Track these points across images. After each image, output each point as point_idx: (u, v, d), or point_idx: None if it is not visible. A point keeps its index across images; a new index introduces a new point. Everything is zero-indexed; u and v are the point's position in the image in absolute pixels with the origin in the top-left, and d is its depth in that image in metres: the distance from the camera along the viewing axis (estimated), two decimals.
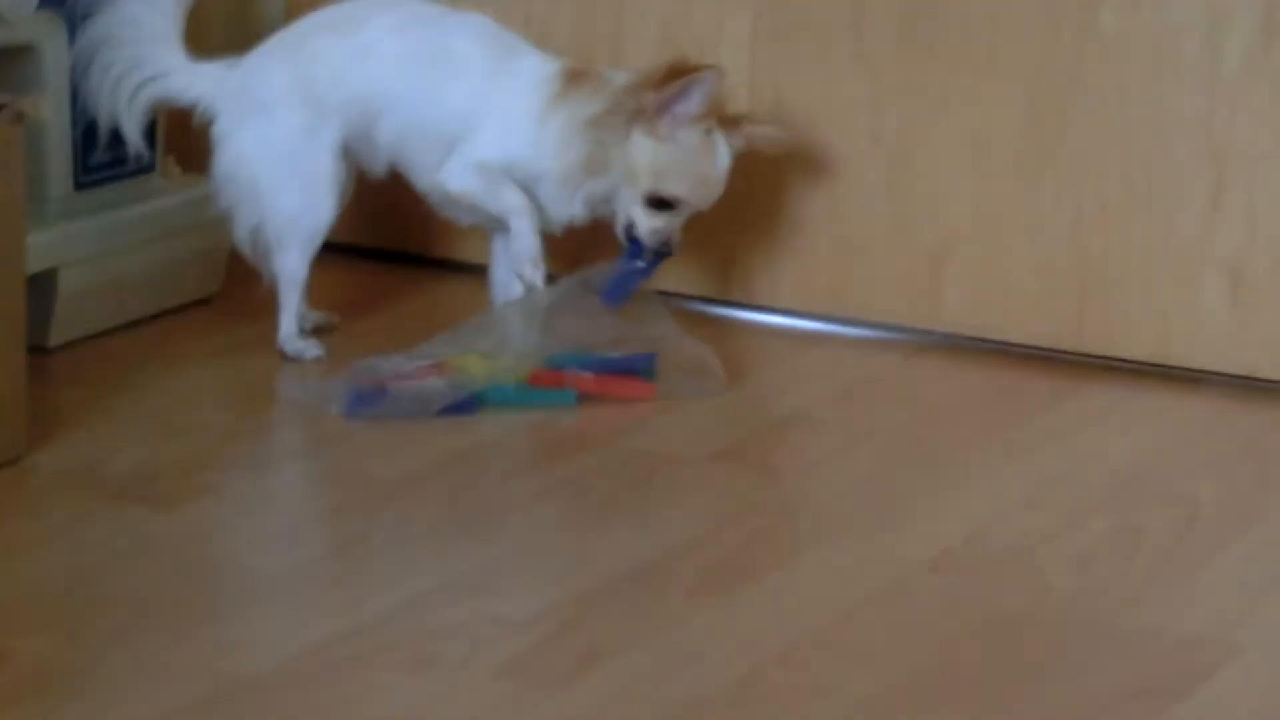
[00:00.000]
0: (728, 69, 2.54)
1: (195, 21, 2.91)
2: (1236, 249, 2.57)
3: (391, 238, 2.95)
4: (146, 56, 2.63)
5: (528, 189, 2.58)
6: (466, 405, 2.45)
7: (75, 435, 2.37)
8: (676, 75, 2.49)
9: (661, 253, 2.56)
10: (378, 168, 2.67)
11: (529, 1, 2.82)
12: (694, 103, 2.49)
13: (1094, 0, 2.58)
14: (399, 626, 1.97)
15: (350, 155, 2.64)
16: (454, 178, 2.59)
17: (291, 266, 2.62)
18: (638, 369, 2.55)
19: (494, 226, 2.64)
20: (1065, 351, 2.67)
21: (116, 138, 2.66)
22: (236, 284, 2.82)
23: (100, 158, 2.67)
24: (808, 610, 2.05)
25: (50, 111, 2.53)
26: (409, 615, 2.00)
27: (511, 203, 2.58)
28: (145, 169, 2.72)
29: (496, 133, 2.57)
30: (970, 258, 2.71)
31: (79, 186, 2.65)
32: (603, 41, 2.76)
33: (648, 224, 2.53)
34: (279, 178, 2.61)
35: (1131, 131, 2.60)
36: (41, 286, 2.52)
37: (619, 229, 2.57)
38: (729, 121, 2.56)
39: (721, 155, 2.53)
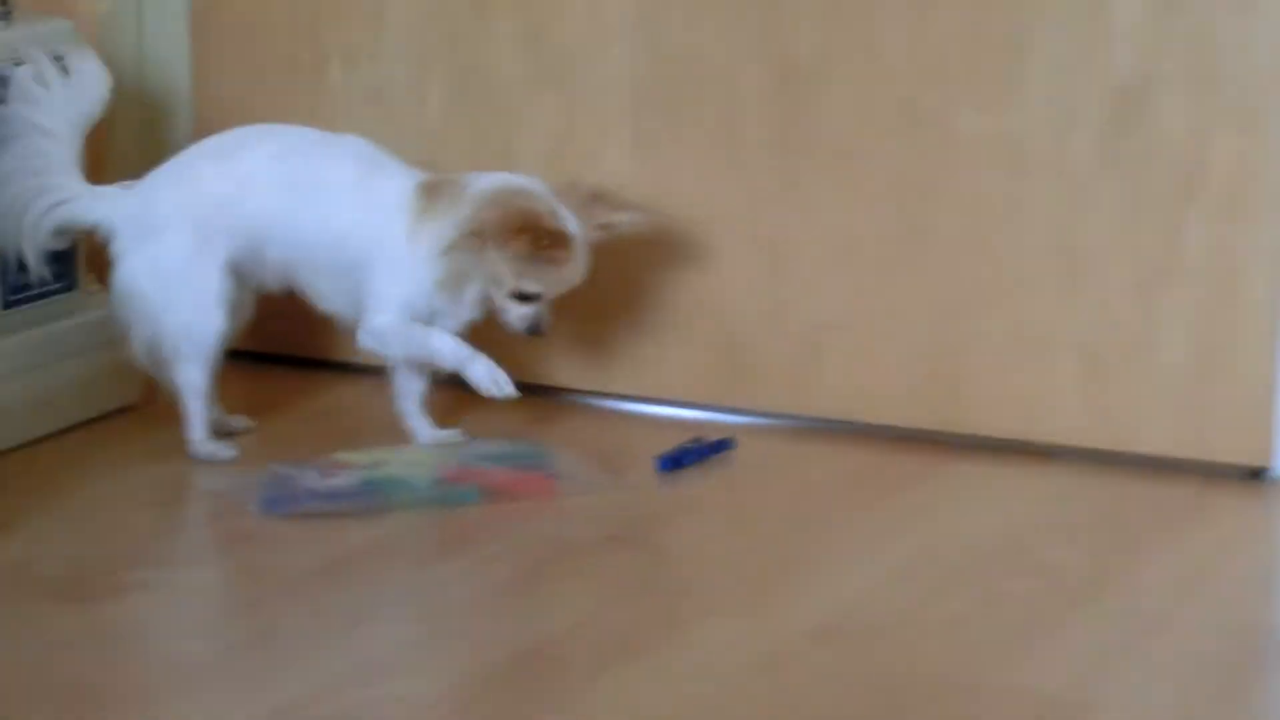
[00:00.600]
0: (565, 227, 2.53)
1: (109, 143, 2.98)
2: (1087, 332, 2.59)
3: (295, 343, 2.94)
4: (49, 185, 2.62)
5: (430, 311, 2.60)
6: (376, 501, 2.46)
7: (6, 538, 2.36)
8: (523, 234, 2.50)
9: (696, 450, 2.62)
10: (271, 285, 2.67)
11: (424, 119, 2.85)
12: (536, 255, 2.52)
13: (951, 104, 2.61)
14: (313, 709, 1.97)
15: (243, 272, 2.64)
16: (379, 343, 2.62)
17: (191, 378, 2.62)
18: (539, 461, 2.57)
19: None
20: (932, 431, 2.69)
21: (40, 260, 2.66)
22: (156, 392, 2.79)
23: (24, 279, 2.66)
24: (697, 682, 2.06)
25: None
26: (323, 698, 2.00)
27: (437, 346, 2.60)
28: (67, 288, 2.72)
29: (387, 277, 2.58)
30: (843, 347, 2.71)
31: (7, 305, 2.65)
32: (496, 156, 2.75)
33: (517, 313, 2.55)
34: (170, 296, 2.60)
35: (989, 226, 2.62)
36: None
37: (500, 318, 2.58)
38: (587, 210, 2.58)
39: (576, 261, 2.55)
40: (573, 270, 2.56)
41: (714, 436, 2.68)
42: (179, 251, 2.61)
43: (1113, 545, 2.41)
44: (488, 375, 2.58)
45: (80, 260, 2.76)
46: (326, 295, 2.66)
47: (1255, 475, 2.57)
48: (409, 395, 2.70)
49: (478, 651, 2.15)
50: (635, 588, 2.33)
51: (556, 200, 2.56)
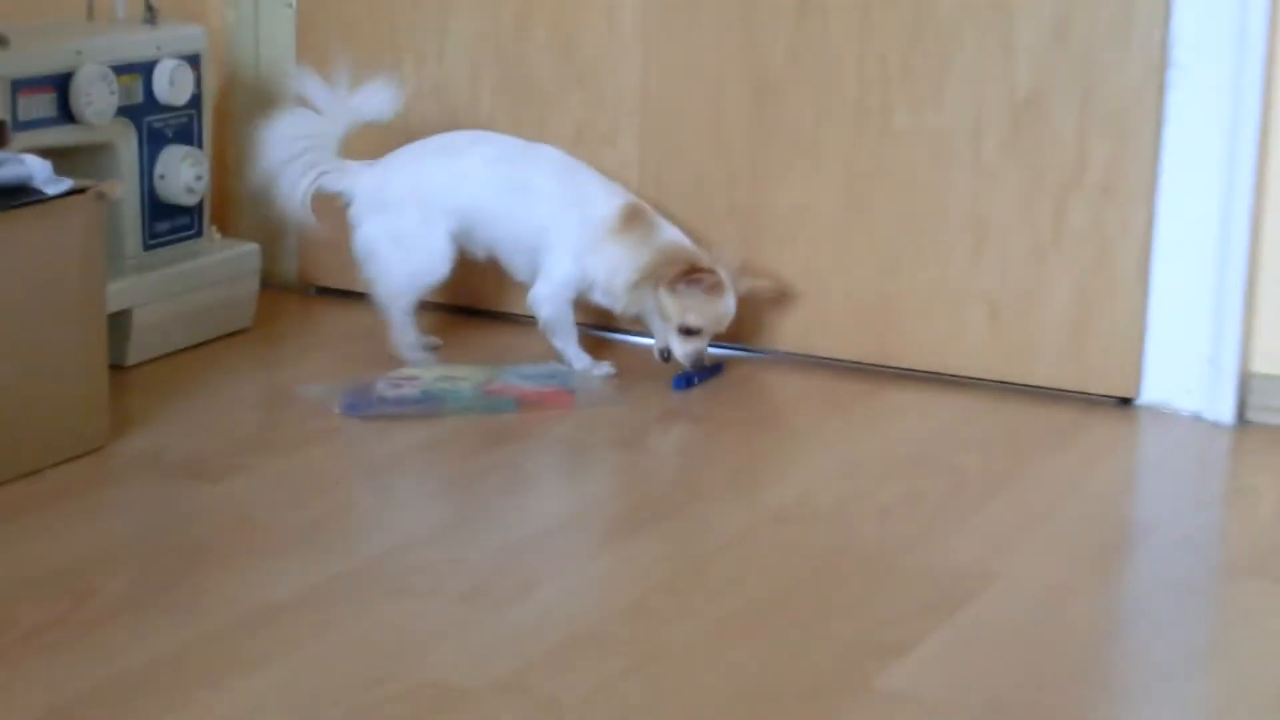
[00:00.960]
0: (720, 271, 2.54)
1: (230, 121, 2.96)
2: (993, 288, 2.58)
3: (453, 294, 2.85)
4: (311, 157, 2.63)
5: (587, 289, 2.60)
6: (433, 407, 2.45)
7: (144, 430, 2.36)
8: (690, 273, 2.50)
9: (704, 371, 2.57)
10: (479, 255, 2.68)
11: (476, 110, 2.82)
12: (698, 289, 2.50)
13: (889, 105, 2.59)
14: (386, 565, 2.00)
15: (456, 243, 2.65)
16: (543, 307, 2.60)
17: (399, 313, 2.63)
18: (562, 380, 2.55)
19: None
20: (870, 363, 2.67)
21: (174, 211, 2.66)
22: (275, 313, 2.83)
23: (164, 221, 2.66)
24: (684, 551, 2.08)
25: (123, 193, 2.53)
26: (393, 557, 2.02)
27: (570, 353, 2.61)
28: (195, 226, 2.71)
29: (567, 256, 2.58)
30: (802, 295, 2.69)
31: (151, 243, 2.64)
32: (531, 132, 2.74)
33: (681, 348, 2.53)
34: (402, 254, 2.61)
35: (917, 202, 2.61)
36: (120, 321, 2.53)
37: (656, 352, 2.57)
38: (736, 273, 2.57)
39: (729, 298, 2.53)
40: (725, 312, 2.54)
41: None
42: (410, 223, 2.61)
43: (1010, 454, 2.41)
44: (589, 366, 2.61)
45: (206, 212, 2.74)
46: (520, 270, 2.66)
47: (1124, 403, 2.56)
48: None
49: (510, 526, 2.16)
50: (635, 480, 2.34)
51: (715, 261, 2.55)
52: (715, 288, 2.52)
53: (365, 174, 2.64)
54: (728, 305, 2.54)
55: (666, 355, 2.56)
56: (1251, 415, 2.51)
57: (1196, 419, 2.51)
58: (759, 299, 2.64)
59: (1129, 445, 2.48)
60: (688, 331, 2.53)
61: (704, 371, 2.60)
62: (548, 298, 2.61)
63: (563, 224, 2.59)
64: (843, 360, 2.69)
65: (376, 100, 2.65)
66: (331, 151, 2.64)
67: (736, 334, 2.69)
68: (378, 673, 1.75)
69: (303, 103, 2.65)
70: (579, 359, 2.62)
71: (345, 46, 2.80)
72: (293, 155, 2.62)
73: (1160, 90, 2.47)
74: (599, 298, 2.61)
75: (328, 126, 2.64)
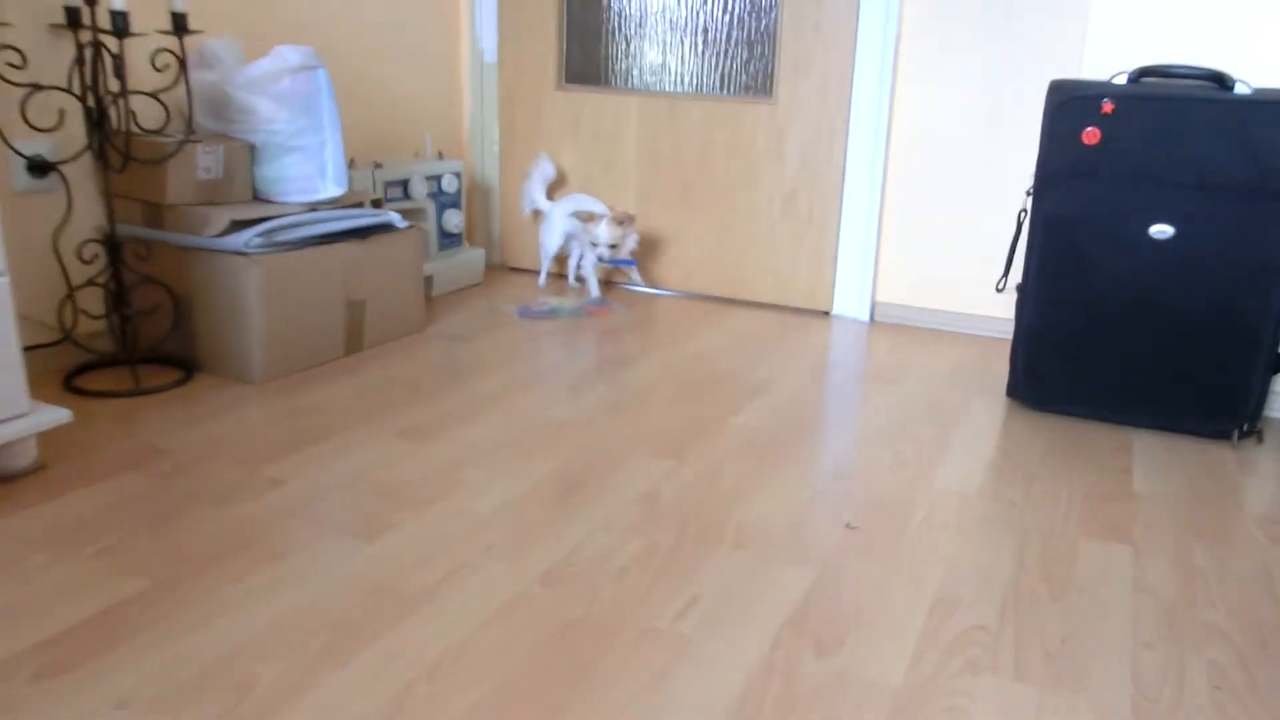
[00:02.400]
0: (625, 212, 2.46)
1: (474, 201, 2.80)
2: (778, 266, 2.51)
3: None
4: (533, 195, 2.61)
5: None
6: (554, 314, 2.39)
7: (437, 322, 2.30)
8: (588, 219, 2.44)
9: (616, 261, 2.47)
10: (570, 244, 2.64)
11: (573, 189, 2.68)
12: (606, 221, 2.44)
13: (735, 193, 2.50)
14: (534, 377, 1.95)
15: (564, 237, 2.60)
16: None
17: (545, 263, 2.57)
18: (606, 304, 2.47)
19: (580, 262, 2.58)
20: (723, 296, 2.59)
21: (451, 236, 2.56)
22: (490, 277, 2.72)
23: (446, 239, 2.57)
24: (649, 371, 2.01)
25: (429, 227, 2.46)
26: (537, 374, 1.97)
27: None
28: (459, 241, 2.62)
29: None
30: (699, 269, 2.61)
31: (441, 248, 2.56)
32: (594, 190, 2.60)
33: (597, 253, 2.45)
34: (546, 238, 2.56)
35: (746, 234, 2.52)
36: (428, 278, 2.47)
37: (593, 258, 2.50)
38: (625, 220, 2.46)
39: (602, 227, 2.44)
40: (602, 233, 2.44)
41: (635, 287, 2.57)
42: (553, 227, 2.54)
43: (781, 334, 2.34)
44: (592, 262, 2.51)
45: (464, 235, 2.64)
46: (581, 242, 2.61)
47: (825, 314, 2.51)
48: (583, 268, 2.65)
49: (584, 362, 2.09)
50: (631, 343, 2.25)
51: (613, 216, 2.46)
52: (592, 220, 2.46)
53: (548, 205, 2.61)
54: (601, 231, 2.38)
55: (600, 258, 2.48)
56: (877, 319, 2.46)
57: (855, 320, 2.46)
58: (634, 228, 2.50)
59: (827, 332, 2.42)
60: (611, 247, 2.49)
61: (616, 262, 2.55)
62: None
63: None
64: (709, 295, 2.62)
65: (548, 167, 2.62)
66: (542, 193, 2.62)
67: (667, 284, 2.62)
68: (529, 415, 1.74)
69: (532, 174, 2.63)
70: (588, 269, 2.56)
71: (524, 169, 2.69)
72: (526, 193, 2.62)
73: (842, 184, 2.40)
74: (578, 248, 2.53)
75: (538, 180, 2.61)
